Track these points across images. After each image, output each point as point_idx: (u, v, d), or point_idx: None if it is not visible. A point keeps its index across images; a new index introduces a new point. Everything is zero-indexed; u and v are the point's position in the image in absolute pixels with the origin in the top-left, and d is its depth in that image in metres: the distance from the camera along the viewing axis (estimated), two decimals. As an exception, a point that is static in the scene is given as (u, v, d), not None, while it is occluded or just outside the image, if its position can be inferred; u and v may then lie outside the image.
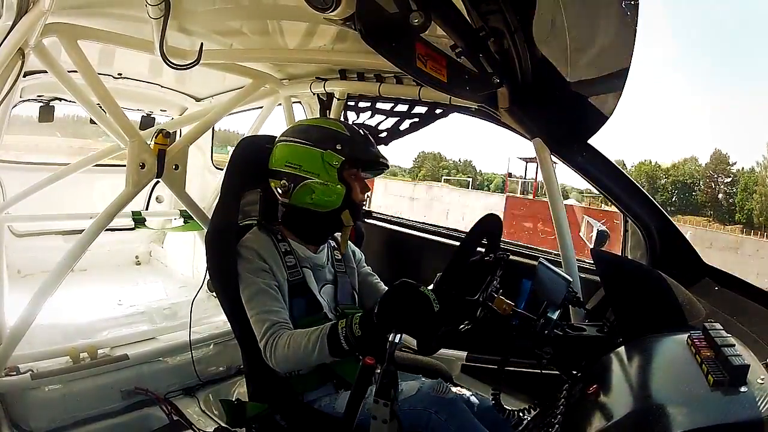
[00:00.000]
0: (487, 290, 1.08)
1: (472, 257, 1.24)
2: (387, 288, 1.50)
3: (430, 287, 1.05)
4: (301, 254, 1.38)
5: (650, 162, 36.09)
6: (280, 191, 1.33)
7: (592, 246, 1.66)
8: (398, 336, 0.99)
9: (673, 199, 34.19)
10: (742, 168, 33.01)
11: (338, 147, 1.30)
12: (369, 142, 1.38)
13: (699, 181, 33.92)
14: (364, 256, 1.57)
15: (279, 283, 1.29)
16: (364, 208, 1.43)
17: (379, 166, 1.42)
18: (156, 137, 1.94)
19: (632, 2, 1.03)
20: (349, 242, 1.54)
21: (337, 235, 1.46)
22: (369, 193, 1.48)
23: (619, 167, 1.51)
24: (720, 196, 33.22)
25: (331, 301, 1.41)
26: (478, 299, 1.07)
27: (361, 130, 1.39)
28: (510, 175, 26.42)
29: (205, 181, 3.07)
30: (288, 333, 1.20)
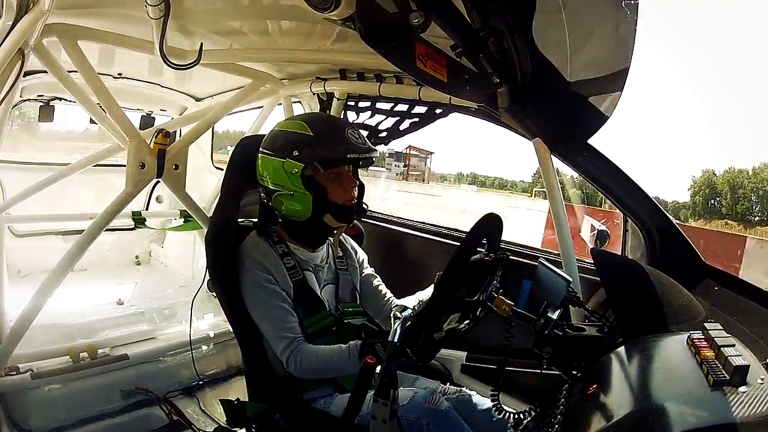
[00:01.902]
0: (487, 290, 1.08)
1: (472, 257, 1.24)
2: (388, 291, 1.51)
3: (430, 289, 1.05)
4: (301, 256, 1.37)
5: (733, 169, 33.93)
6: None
7: (591, 246, 1.66)
8: (397, 335, 0.99)
9: (756, 209, 31.84)
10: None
11: (295, 153, 1.23)
12: (337, 136, 1.26)
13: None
14: (367, 257, 1.56)
15: (285, 290, 1.30)
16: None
17: (352, 161, 1.31)
18: (156, 137, 1.94)
19: (632, 2, 1.03)
20: (352, 242, 1.54)
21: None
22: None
23: (619, 167, 1.50)
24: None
25: (332, 300, 1.41)
26: (477, 299, 1.07)
27: (334, 122, 1.32)
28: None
29: (205, 181, 3.07)
30: (311, 348, 1.25)
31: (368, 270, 1.54)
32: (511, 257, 1.16)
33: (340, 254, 1.47)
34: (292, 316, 1.28)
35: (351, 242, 1.54)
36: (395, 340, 0.98)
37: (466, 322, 1.07)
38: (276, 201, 1.31)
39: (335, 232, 1.41)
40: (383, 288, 1.52)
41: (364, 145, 1.30)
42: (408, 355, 0.97)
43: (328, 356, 1.24)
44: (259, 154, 1.33)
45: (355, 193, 1.36)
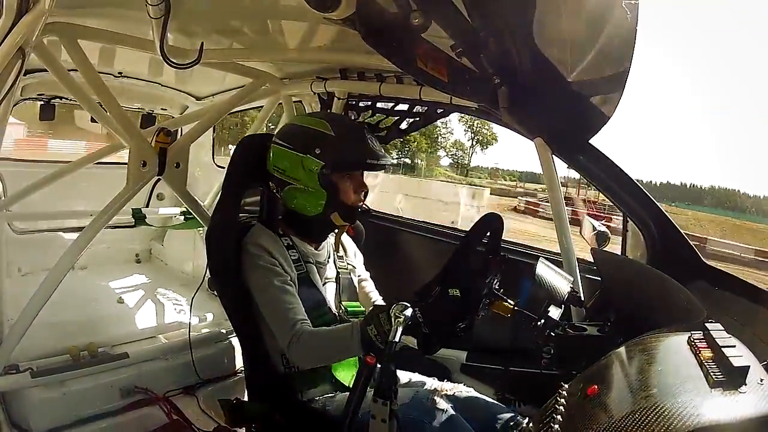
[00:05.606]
0: (488, 291, 1.08)
1: (472, 256, 1.24)
2: (378, 296, 1.51)
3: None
4: (304, 250, 1.38)
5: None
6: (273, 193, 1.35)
7: (591, 245, 1.66)
8: (398, 335, 0.99)
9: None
10: None
11: (317, 151, 1.25)
12: (359, 140, 1.29)
13: None
14: (363, 259, 1.56)
15: (291, 277, 1.29)
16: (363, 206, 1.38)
17: (370, 167, 1.35)
18: (157, 135, 1.94)
19: (632, 2, 1.03)
20: (351, 243, 1.55)
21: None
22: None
23: (620, 167, 1.50)
24: None
25: (333, 298, 1.41)
26: (479, 299, 1.07)
27: (355, 126, 1.33)
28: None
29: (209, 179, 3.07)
30: (312, 331, 1.20)
31: (363, 273, 1.54)
32: (511, 257, 1.17)
33: (341, 254, 1.48)
34: (296, 298, 1.26)
35: (350, 243, 1.54)
36: (396, 340, 0.98)
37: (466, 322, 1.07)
38: (287, 193, 1.31)
39: (337, 230, 1.41)
40: (374, 295, 1.52)
41: (380, 152, 1.33)
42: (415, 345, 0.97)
43: (328, 335, 1.21)
44: (274, 146, 1.33)
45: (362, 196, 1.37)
